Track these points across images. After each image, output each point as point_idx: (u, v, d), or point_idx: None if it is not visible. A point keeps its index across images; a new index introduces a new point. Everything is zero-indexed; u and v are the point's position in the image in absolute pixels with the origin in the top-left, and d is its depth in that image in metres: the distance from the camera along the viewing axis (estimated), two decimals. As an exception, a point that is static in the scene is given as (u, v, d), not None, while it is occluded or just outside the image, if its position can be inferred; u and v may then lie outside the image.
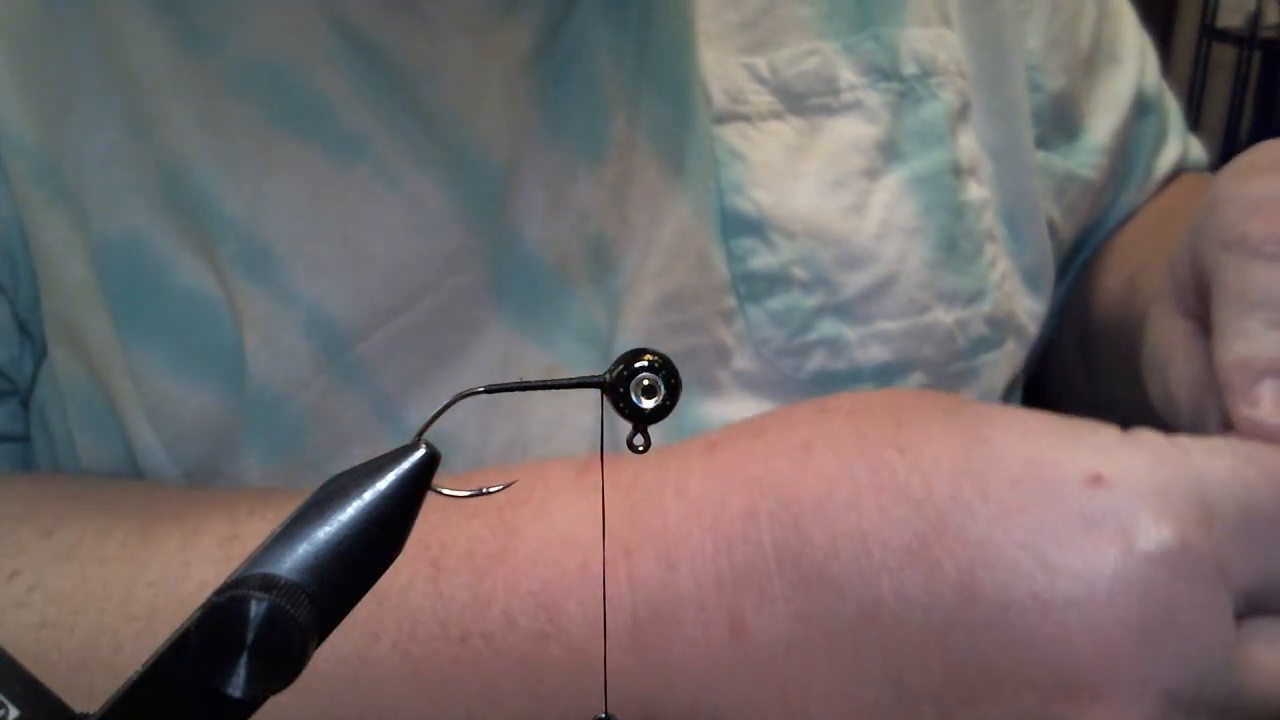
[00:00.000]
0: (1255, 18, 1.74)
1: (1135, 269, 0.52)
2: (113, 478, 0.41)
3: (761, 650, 0.30)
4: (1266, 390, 0.31)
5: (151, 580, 0.34)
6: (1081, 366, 0.57)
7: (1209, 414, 0.35)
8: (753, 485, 0.31)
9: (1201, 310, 0.36)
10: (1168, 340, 0.38)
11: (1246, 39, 1.75)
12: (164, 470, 0.40)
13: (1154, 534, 0.28)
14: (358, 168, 0.39)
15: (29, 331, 0.41)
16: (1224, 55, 1.81)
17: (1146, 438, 0.30)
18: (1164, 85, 0.58)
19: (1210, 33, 1.79)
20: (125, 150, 0.38)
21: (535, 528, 0.33)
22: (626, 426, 0.21)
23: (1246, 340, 0.32)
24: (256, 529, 0.35)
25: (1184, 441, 0.30)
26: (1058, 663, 0.28)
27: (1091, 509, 0.28)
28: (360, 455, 0.20)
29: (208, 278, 0.39)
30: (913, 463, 0.30)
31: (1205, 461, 0.29)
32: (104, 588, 0.34)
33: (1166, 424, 0.38)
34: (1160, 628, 0.27)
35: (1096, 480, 0.29)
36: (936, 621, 0.29)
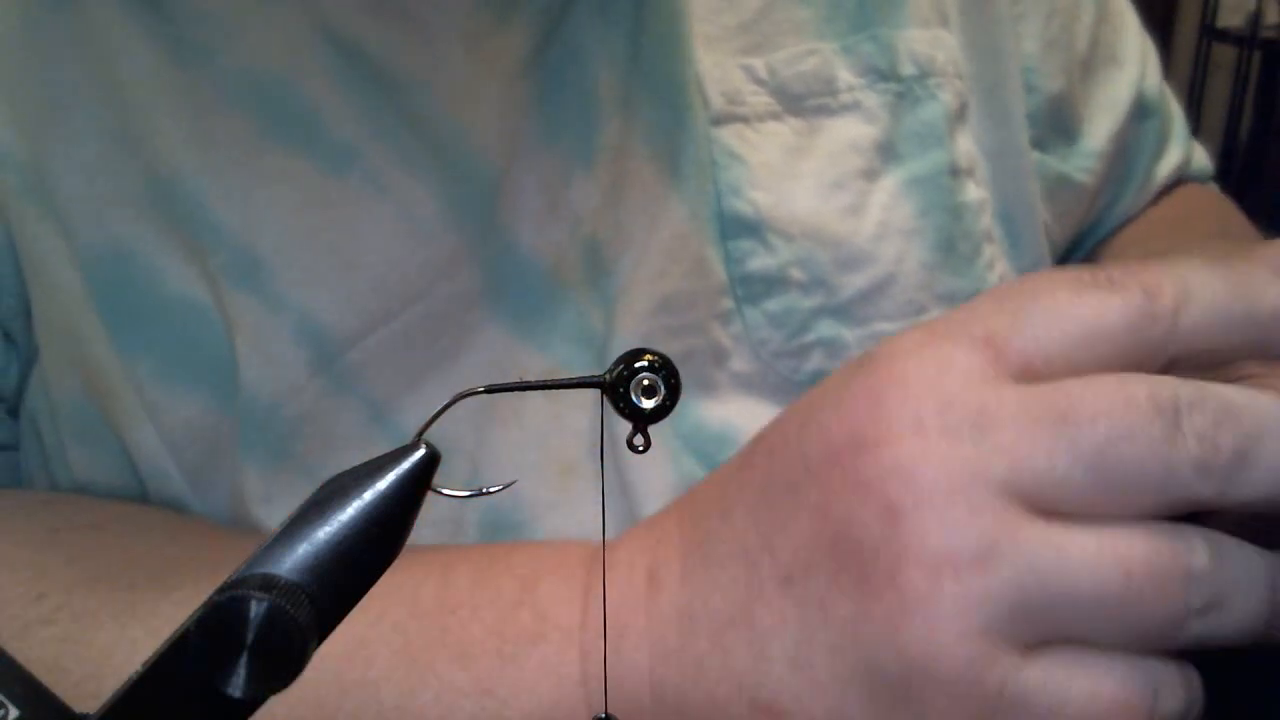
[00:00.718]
0: (1255, 18, 1.74)
1: None
2: (101, 531, 0.40)
3: (664, 592, 0.33)
4: None
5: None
6: None
7: None
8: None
9: None
10: None
11: (1246, 39, 1.75)
12: (165, 474, 0.40)
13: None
14: (349, 176, 0.39)
15: (14, 339, 0.41)
16: (1224, 55, 1.81)
17: None
18: (1167, 91, 0.58)
19: (1210, 33, 1.79)
20: (113, 161, 0.38)
21: (536, 544, 0.38)
22: (626, 428, 0.21)
23: None
24: None
25: None
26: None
27: None
28: (355, 461, 0.20)
29: (198, 287, 0.39)
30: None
31: None
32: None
33: None
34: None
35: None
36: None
